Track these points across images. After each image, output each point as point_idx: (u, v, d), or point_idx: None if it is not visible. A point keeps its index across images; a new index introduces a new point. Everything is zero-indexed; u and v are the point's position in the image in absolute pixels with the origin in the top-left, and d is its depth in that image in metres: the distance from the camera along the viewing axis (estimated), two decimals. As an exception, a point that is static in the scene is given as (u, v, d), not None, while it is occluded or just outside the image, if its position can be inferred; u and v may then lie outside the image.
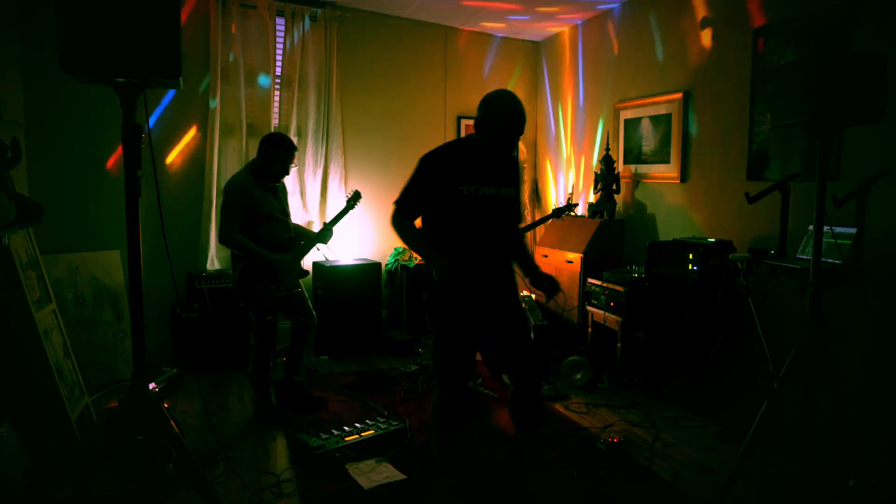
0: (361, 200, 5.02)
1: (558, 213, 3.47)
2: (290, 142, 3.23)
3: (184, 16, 4.12)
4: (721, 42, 3.78)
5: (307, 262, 4.68)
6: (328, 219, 4.79)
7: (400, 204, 2.31)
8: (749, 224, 3.58)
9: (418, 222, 2.37)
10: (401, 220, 2.30)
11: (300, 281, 3.40)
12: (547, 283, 2.43)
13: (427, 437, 2.44)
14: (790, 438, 2.89)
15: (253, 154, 4.54)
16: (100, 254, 4.02)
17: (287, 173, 3.28)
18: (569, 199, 4.96)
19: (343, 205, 3.55)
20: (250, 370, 3.37)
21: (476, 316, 2.29)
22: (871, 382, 2.87)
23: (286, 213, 3.36)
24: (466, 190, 2.23)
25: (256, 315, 3.28)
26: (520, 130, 2.26)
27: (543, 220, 3.51)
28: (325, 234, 3.42)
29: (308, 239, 3.44)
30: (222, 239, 3.16)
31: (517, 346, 2.37)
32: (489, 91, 2.33)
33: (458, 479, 2.52)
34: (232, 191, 3.16)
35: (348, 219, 4.96)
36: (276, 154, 3.18)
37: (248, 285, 3.17)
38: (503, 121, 2.22)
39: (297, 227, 3.55)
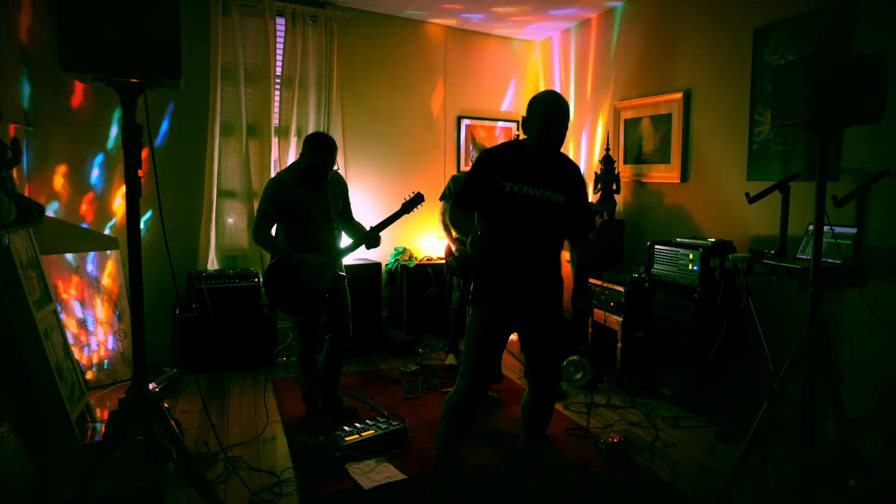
0: (361, 200, 5.08)
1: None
2: (330, 143, 3.05)
3: (184, 15, 4.12)
4: (721, 42, 3.78)
5: None
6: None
7: (457, 199, 2.44)
8: (749, 224, 3.58)
9: None
10: (455, 211, 2.51)
11: (347, 296, 3.29)
12: (577, 301, 2.52)
13: (437, 434, 2.45)
14: (790, 438, 2.89)
15: (253, 154, 4.59)
16: (99, 254, 4.02)
17: (325, 175, 3.10)
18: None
19: (399, 208, 3.23)
20: (297, 371, 3.34)
21: (505, 313, 2.33)
22: (870, 382, 2.87)
23: (330, 213, 3.17)
24: (509, 187, 2.27)
25: (289, 315, 3.22)
26: (555, 125, 2.25)
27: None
28: (369, 238, 3.18)
29: (351, 244, 3.24)
30: (253, 237, 3.12)
31: (541, 353, 2.41)
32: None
33: (458, 480, 2.52)
34: (268, 189, 3.09)
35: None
36: (319, 157, 3.03)
37: (272, 284, 3.09)
38: (539, 116, 2.25)
39: (360, 227, 3.32)
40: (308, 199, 3.10)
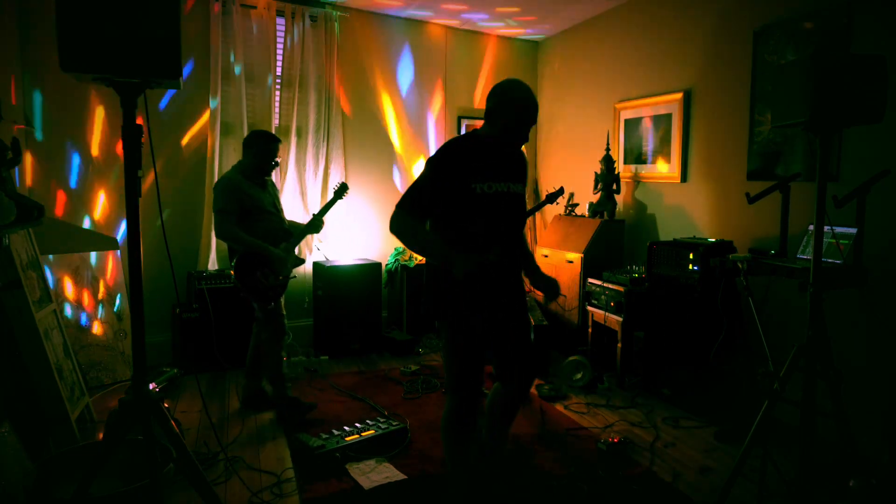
0: (361, 199, 5.08)
1: (552, 198, 3.44)
2: (274, 134, 3.41)
3: (184, 15, 4.12)
4: (721, 42, 3.78)
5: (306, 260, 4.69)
6: (329, 217, 4.82)
7: (407, 205, 2.12)
8: (749, 224, 3.58)
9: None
10: (407, 221, 2.12)
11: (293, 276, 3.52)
12: (548, 285, 2.38)
13: (442, 440, 2.36)
14: (790, 438, 2.89)
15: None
16: (100, 254, 4.02)
17: (275, 165, 3.39)
18: (570, 197, 4.96)
19: (332, 196, 3.64)
20: (268, 365, 3.38)
21: (491, 318, 2.23)
22: (870, 382, 2.87)
23: (277, 206, 3.46)
24: (479, 188, 2.11)
25: (259, 304, 3.32)
26: (532, 120, 2.17)
27: (540, 205, 3.50)
28: (316, 224, 3.51)
29: (300, 229, 3.52)
30: (219, 233, 3.24)
31: (518, 350, 2.32)
32: (489, 90, 2.26)
33: (473, 481, 2.48)
34: (223, 186, 3.24)
35: (350, 217, 5.01)
36: (273, 147, 3.31)
37: (247, 276, 3.23)
38: (515, 110, 2.13)
39: (290, 221, 3.64)
40: (259, 194, 3.31)
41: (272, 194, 3.44)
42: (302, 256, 3.53)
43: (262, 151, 3.28)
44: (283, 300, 3.48)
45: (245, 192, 3.23)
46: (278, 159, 3.39)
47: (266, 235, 3.29)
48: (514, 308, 2.32)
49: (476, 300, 2.17)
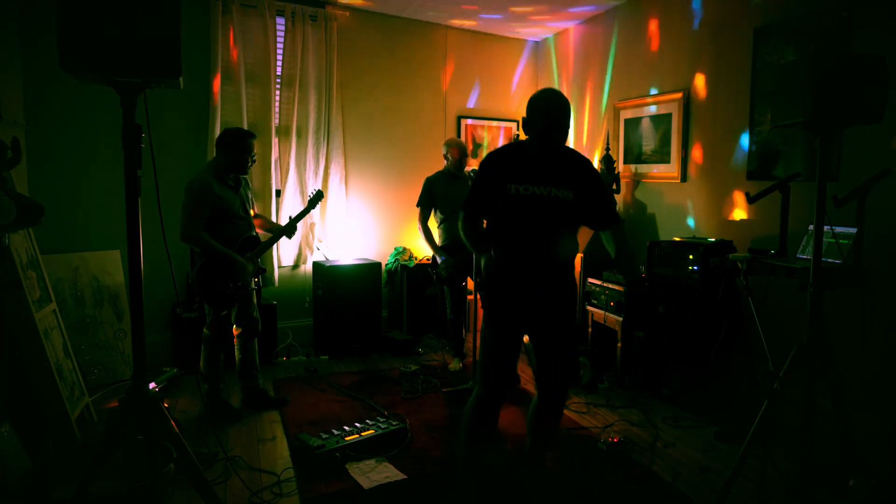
0: (360, 199, 5.09)
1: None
2: (249, 130, 3.37)
3: (184, 15, 4.12)
4: (721, 42, 3.78)
5: (281, 260, 4.73)
6: (329, 217, 4.83)
7: (466, 208, 2.43)
8: (749, 224, 3.58)
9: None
10: (465, 222, 2.44)
11: (255, 285, 3.50)
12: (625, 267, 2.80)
13: (460, 429, 2.43)
14: (790, 438, 2.89)
15: (257, 155, 4.58)
16: (100, 254, 4.02)
17: (254, 162, 3.35)
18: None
19: (307, 204, 3.68)
20: (202, 365, 3.37)
21: (517, 315, 2.30)
22: (871, 382, 2.87)
23: (247, 210, 3.40)
24: (514, 189, 2.25)
25: (212, 309, 3.30)
26: (558, 124, 2.23)
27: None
28: (289, 231, 3.52)
29: (273, 233, 3.52)
30: (185, 237, 3.12)
31: (550, 356, 2.35)
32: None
33: (481, 480, 2.47)
34: (196, 188, 3.13)
35: (350, 217, 5.01)
36: (250, 144, 3.25)
37: (208, 282, 3.20)
38: (540, 116, 2.23)
39: (265, 220, 3.64)
40: (230, 197, 3.24)
41: (243, 197, 3.35)
42: (303, 256, 3.54)
43: (239, 148, 3.19)
44: (255, 304, 3.50)
45: (217, 195, 3.15)
46: (255, 156, 3.33)
47: (231, 241, 3.22)
48: (549, 313, 2.33)
49: (507, 299, 2.30)
